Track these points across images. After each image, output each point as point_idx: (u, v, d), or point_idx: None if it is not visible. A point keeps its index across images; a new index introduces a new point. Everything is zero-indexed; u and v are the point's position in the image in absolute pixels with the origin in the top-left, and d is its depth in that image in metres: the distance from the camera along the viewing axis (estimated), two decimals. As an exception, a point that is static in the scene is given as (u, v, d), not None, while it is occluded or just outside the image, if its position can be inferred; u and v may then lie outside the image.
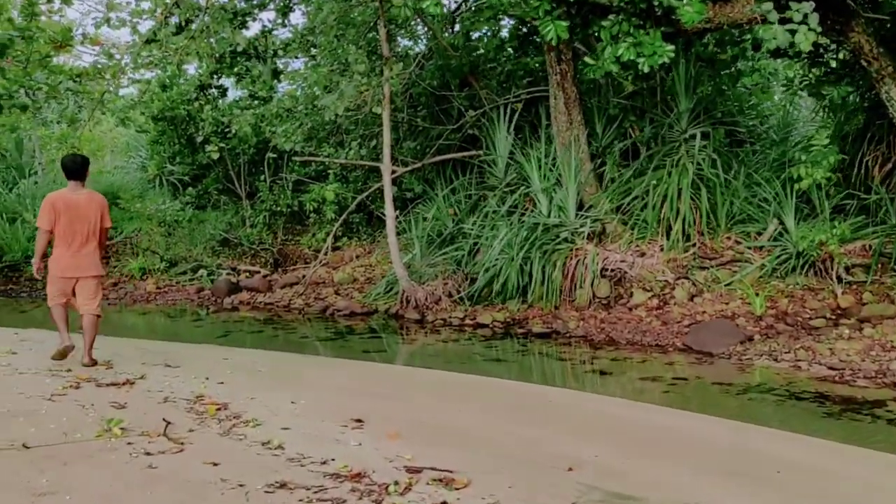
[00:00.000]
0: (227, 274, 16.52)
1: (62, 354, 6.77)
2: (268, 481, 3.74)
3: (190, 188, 18.72)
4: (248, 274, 16.66)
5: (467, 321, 12.77)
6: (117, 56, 12.93)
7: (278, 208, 17.92)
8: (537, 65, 15.59)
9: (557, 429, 5.41)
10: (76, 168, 7.06)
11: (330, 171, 17.80)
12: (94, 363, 6.75)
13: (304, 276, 16.05)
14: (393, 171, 13.94)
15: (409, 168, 14.97)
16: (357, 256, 17.44)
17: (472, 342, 11.40)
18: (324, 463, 4.11)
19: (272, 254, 17.71)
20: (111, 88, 13.30)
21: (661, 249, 12.65)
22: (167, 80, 17.67)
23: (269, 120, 15.24)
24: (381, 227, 18.17)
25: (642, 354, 9.99)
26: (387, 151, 13.69)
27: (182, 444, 4.28)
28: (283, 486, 3.71)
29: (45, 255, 7.14)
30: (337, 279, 15.94)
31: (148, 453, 4.09)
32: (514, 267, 13.12)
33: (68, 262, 6.88)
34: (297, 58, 16.88)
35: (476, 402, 6.19)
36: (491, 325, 12.50)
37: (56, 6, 15.55)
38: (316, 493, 3.64)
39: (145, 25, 13.04)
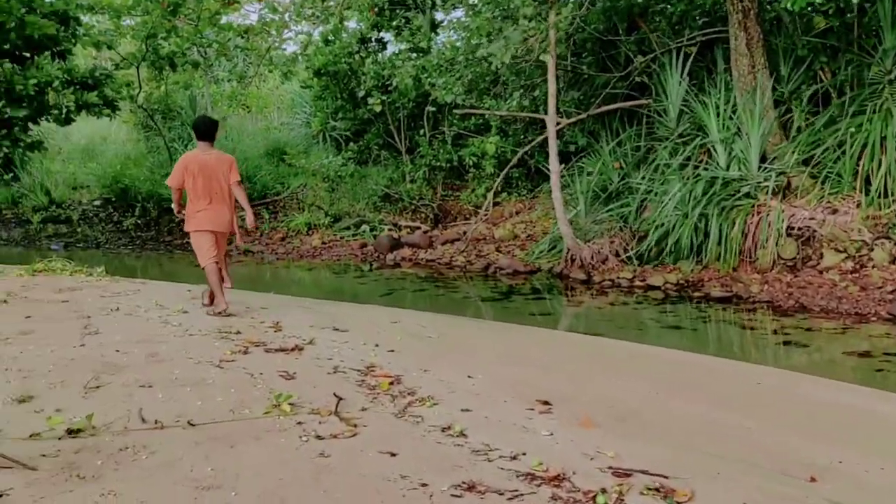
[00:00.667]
0: (389, 230, 16.31)
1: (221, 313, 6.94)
2: (453, 481, 3.19)
3: (352, 143, 18.63)
4: (409, 230, 16.39)
5: (637, 282, 11.88)
6: (281, 10, 12.70)
7: (438, 163, 17.51)
8: (714, 3, 14.16)
9: (770, 418, 4.56)
10: (206, 130, 7.29)
11: (491, 124, 17.18)
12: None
13: (464, 233, 15.60)
14: (557, 123, 13.06)
15: (573, 119, 14.03)
16: (517, 212, 16.79)
17: (643, 306, 10.51)
18: (514, 458, 3.50)
19: (432, 209, 17.35)
20: (276, 43, 13.16)
21: (858, 206, 11.19)
22: (329, 35, 17.48)
23: (430, 72, 14.70)
24: (540, 182, 17.43)
25: (839, 324, 8.77)
26: (552, 102, 12.84)
27: (355, 426, 3.79)
28: (471, 487, 3.13)
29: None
30: (497, 236, 15.38)
31: (319, 436, 3.63)
32: (689, 225, 12.07)
33: (210, 218, 7.12)
34: (455, 7, 16.19)
35: (667, 381, 5.41)
36: (663, 288, 11.56)
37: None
38: (510, 500, 3.02)
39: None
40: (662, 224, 12.52)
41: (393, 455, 3.48)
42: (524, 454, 3.56)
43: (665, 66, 13.64)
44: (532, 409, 4.34)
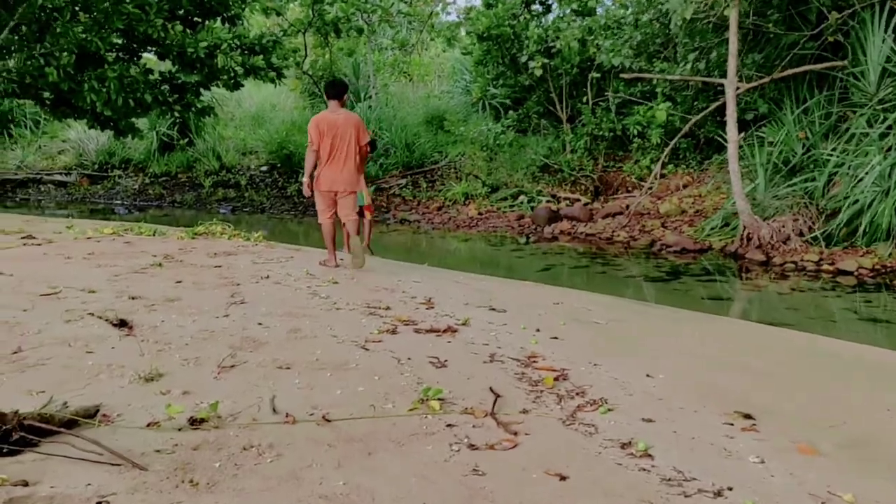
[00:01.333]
0: (547, 202, 15.50)
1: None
2: (643, 526, 2.41)
3: (511, 112, 17.86)
4: (568, 202, 15.50)
5: (824, 266, 10.53)
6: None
7: (600, 132, 16.44)
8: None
9: None
10: (335, 91, 7.34)
11: (657, 91, 15.88)
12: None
13: (627, 207, 14.53)
14: (736, 88, 11.71)
15: (754, 83, 12.59)
16: (684, 186, 15.49)
17: (834, 294, 9.21)
18: (718, 494, 2.71)
19: (593, 181, 16.35)
20: (439, 7, 12.58)
21: None
22: (492, -1, 16.74)
23: (596, 34, 13.63)
24: (710, 154, 16.01)
25: None
26: (732, 63, 11.53)
27: (515, 434, 3.11)
28: (665, 537, 2.35)
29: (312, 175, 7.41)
30: (663, 210, 14.20)
31: (472, 445, 2.99)
32: (889, 203, 10.52)
33: (329, 178, 7.20)
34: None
35: (891, 392, 4.35)
36: (856, 273, 10.16)
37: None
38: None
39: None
40: (857, 201, 11.01)
41: (563, 479, 2.77)
42: (730, 489, 2.75)
43: (865, 21, 11.91)
44: (731, 424, 3.49)
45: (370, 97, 19.40)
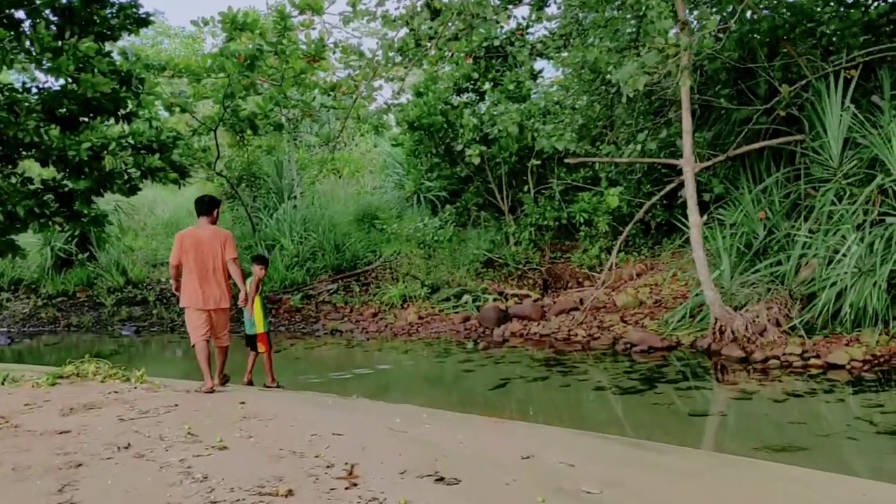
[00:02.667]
0: (494, 300, 14.05)
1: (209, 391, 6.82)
2: None
3: (448, 206, 16.59)
4: (517, 299, 14.09)
5: (811, 360, 9.29)
6: (368, 56, 10.86)
7: (545, 222, 15.28)
8: (880, 15, 11.58)
9: None
10: (204, 207, 7.30)
11: (602, 176, 14.84)
12: (225, 381, 7.35)
13: (581, 301, 13.19)
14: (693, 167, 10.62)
15: (709, 162, 11.54)
16: (637, 275, 14.30)
17: (834, 396, 7.93)
18: None
19: (541, 274, 15.06)
20: (364, 93, 11.30)
21: None
22: (422, 87, 15.66)
23: (535, 116, 12.54)
24: (660, 239, 14.94)
25: None
26: (688, 140, 10.48)
27: None
28: None
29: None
30: (620, 303, 12.90)
31: None
32: (872, 284, 9.44)
33: (198, 294, 7.04)
34: (558, 50, 14.09)
35: None
36: (848, 367, 8.94)
37: (307, 19, 13.95)
38: None
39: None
40: (834, 283, 9.87)
41: None
42: None
43: (821, 93, 11.09)
44: None
45: (294, 197, 17.94)
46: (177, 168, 11.58)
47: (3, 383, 6.83)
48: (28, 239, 16.33)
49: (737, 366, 9.44)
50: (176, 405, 5.90)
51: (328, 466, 4.27)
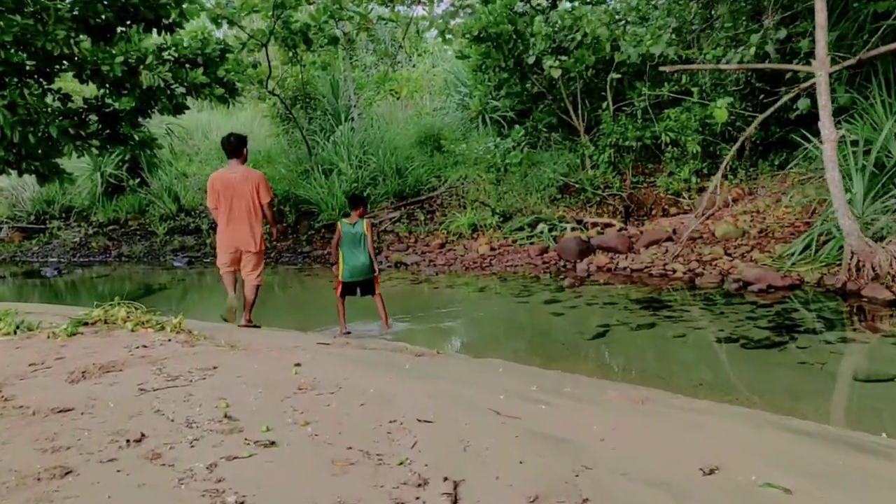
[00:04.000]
0: (573, 229, 12.41)
1: (230, 311, 7.00)
2: None
3: (517, 125, 14.80)
4: (598, 228, 12.42)
5: (980, 303, 7.49)
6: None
7: (626, 142, 13.39)
8: None
9: None
10: (231, 147, 6.94)
11: (692, 89, 12.90)
12: (249, 323, 7.04)
13: (673, 231, 11.47)
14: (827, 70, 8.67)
15: (842, 65, 9.49)
16: (734, 200, 12.45)
17: None
18: None
19: (622, 200, 13.30)
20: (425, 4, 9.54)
21: None
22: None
23: (626, 16, 10.62)
24: (756, 161, 13.01)
25: None
26: (822, 39, 8.52)
27: None
28: None
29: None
30: (719, 233, 11.16)
31: None
32: None
33: (229, 238, 6.93)
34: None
35: None
36: None
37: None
38: None
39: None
40: None
41: None
42: None
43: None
44: None
45: (352, 119, 16.35)
46: (224, 84, 10.08)
47: (14, 332, 5.55)
48: (78, 164, 15.22)
49: (884, 310, 7.70)
50: (214, 368, 4.52)
51: (420, 484, 2.82)
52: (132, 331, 5.62)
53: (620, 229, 12.18)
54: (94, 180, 15.49)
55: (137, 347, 5.06)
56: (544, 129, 15.04)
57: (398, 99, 19.70)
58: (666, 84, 13.28)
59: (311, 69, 16.69)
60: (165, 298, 10.87)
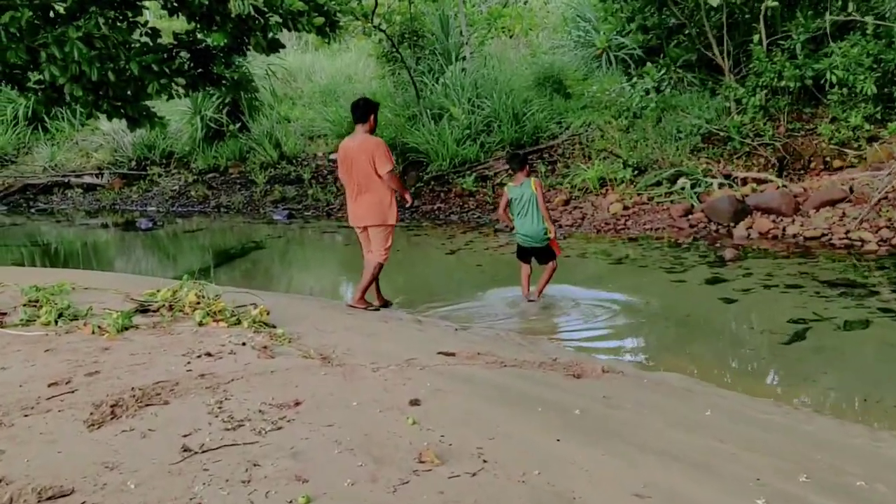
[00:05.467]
0: (720, 185, 10.38)
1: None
2: None
3: (649, 65, 12.63)
4: (753, 185, 10.32)
5: None
6: None
7: (781, 83, 11.07)
8: None
9: None
10: (357, 112, 6.19)
11: (866, 18, 10.50)
12: (360, 304, 6.27)
13: (851, 190, 9.32)
14: None
15: None
16: (921, 152, 10.08)
17: None
18: None
19: (774, 151, 11.09)
20: None
21: None
22: None
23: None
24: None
25: None
26: None
27: None
28: None
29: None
30: (910, 192, 8.90)
31: None
32: None
33: (350, 213, 6.33)
34: None
35: None
36: None
37: None
38: None
39: None
40: None
41: None
42: None
43: None
44: None
45: (464, 58, 14.55)
46: (324, 12, 8.52)
47: (56, 321, 4.25)
48: (178, 108, 14.20)
49: None
50: (296, 406, 3.02)
51: None
52: (200, 324, 4.23)
53: (781, 186, 10.07)
54: (193, 124, 14.42)
55: (199, 356, 3.65)
56: (678, 69, 12.85)
57: (511, 37, 17.73)
58: (828, 13, 10.92)
59: (420, 2, 14.93)
60: (259, 260, 9.64)
